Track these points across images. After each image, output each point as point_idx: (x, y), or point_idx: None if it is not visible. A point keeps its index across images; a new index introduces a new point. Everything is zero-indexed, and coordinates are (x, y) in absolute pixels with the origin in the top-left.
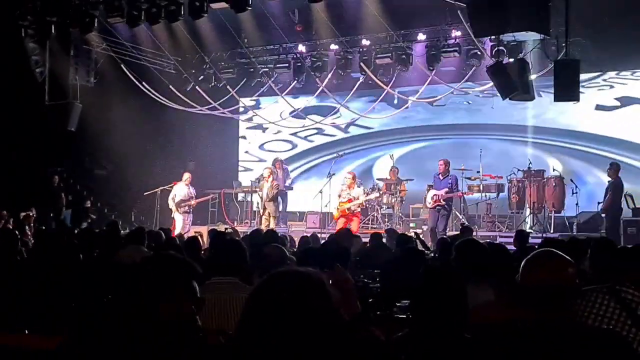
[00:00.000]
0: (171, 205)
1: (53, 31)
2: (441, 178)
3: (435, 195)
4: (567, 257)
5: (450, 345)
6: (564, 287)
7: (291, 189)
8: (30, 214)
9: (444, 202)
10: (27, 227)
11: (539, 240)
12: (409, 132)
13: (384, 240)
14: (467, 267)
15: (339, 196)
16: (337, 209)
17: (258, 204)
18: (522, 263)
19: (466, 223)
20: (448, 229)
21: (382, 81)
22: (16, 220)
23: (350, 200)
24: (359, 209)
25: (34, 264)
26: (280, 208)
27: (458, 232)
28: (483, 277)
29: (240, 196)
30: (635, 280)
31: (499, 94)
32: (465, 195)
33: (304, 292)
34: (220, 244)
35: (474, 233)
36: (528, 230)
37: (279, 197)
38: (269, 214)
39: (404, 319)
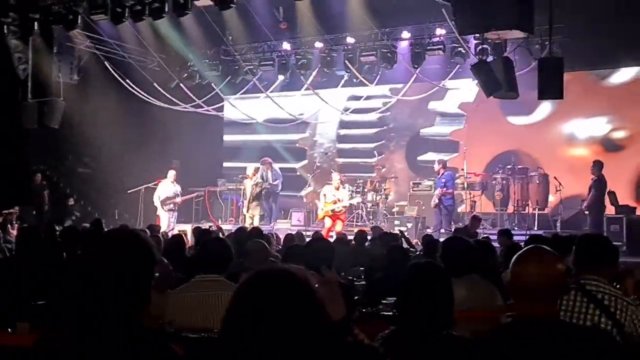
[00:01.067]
0: (156, 202)
1: (36, 28)
2: (437, 177)
3: (435, 195)
4: (556, 253)
5: (437, 342)
6: (554, 284)
7: (277, 188)
8: (13, 212)
9: (437, 201)
10: (9, 226)
11: (524, 238)
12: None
13: (369, 237)
14: (450, 263)
15: (324, 196)
16: (322, 209)
17: (242, 202)
18: (512, 260)
19: (475, 213)
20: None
21: (366, 79)
22: (2, 220)
23: (335, 202)
24: (343, 210)
25: (16, 261)
26: (274, 208)
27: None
28: (460, 275)
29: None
30: (605, 274)
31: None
32: (454, 192)
33: (288, 291)
34: (206, 242)
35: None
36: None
37: (270, 197)
38: (252, 212)
39: (390, 316)
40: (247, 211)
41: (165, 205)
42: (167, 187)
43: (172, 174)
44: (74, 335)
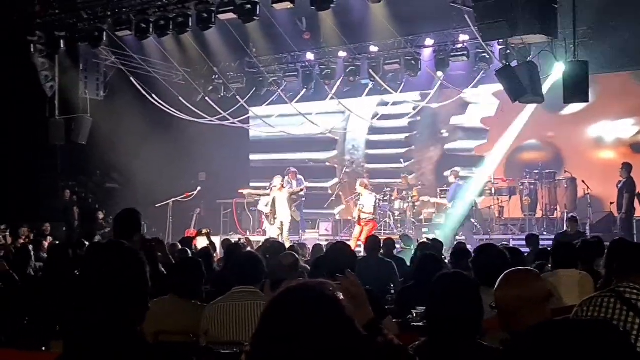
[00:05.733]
0: (264, 213)
1: (62, 46)
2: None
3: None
4: (532, 270)
5: (468, 353)
6: (538, 297)
7: (303, 197)
8: (45, 228)
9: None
10: (44, 242)
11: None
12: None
13: (398, 246)
14: (482, 271)
15: (355, 204)
16: (354, 216)
17: (269, 212)
18: (496, 286)
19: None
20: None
21: (391, 87)
22: (34, 236)
23: (360, 211)
24: (371, 217)
25: (47, 279)
26: (298, 217)
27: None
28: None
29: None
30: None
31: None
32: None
33: (318, 309)
34: (238, 257)
35: (488, 236)
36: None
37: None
38: (282, 223)
39: (421, 327)
40: (274, 222)
41: (269, 218)
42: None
43: (277, 181)
44: (73, 344)
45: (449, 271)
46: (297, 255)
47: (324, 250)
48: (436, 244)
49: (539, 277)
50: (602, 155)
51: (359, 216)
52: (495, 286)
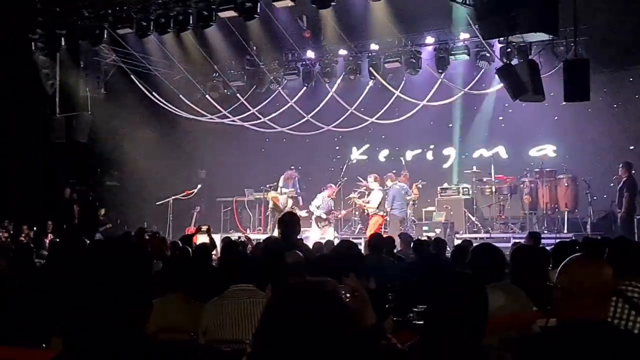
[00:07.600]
0: (315, 215)
1: (63, 44)
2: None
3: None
4: (603, 259)
5: (466, 353)
6: (605, 289)
7: (298, 196)
8: (48, 226)
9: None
10: (45, 240)
11: (553, 241)
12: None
13: (398, 244)
14: (479, 270)
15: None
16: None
17: (269, 212)
18: (562, 266)
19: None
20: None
21: (391, 85)
22: (34, 233)
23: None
24: (373, 212)
25: (47, 276)
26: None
27: None
28: (494, 281)
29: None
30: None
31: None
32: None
33: (319, 306)
34: (235, 255)
35: (488, 235)
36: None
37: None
38: None
39: (421, 325)
40: (273, 220)
41: (321, 222)
42: (325, 202)
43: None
44: (73, 342)
45: (460, 271)
46: (301, 254)
47: (324, 248)
48: (439, 243)
49: (607, 267)
50: (602, 154)
51: (363, 210)
52: (559, 268)
